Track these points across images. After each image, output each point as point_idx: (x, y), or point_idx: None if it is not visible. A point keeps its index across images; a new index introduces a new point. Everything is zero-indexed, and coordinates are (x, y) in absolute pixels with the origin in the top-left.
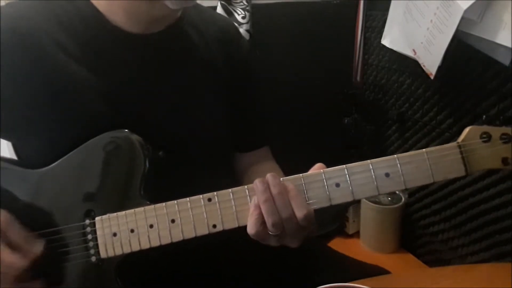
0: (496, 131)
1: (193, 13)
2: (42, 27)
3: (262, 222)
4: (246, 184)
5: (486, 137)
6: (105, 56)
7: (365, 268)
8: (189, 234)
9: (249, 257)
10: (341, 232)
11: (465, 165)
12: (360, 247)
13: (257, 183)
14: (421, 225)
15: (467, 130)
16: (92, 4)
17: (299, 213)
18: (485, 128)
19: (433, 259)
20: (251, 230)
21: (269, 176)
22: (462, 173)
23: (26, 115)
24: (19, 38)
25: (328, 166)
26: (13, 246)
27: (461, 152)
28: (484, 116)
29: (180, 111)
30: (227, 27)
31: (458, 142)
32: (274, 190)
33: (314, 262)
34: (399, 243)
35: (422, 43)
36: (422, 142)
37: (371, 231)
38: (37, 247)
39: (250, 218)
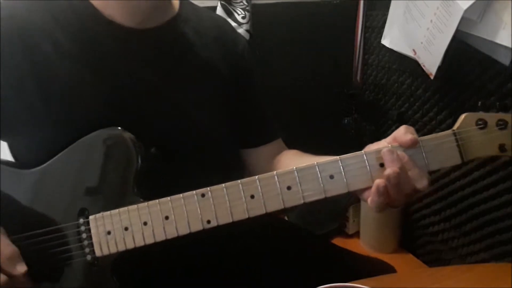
0: (492, 118)
1: (190, 12)
2: (37, 25)
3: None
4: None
5: (482, 124)
6: (100, 51)
7: (374, 264)
8: (184, 230)
9: (250, 253)
10: (341, 232)
11: (460, 153)
12: (360, 247)
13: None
14: (421, 225)
15: (462, 117)
16: (87, 1)
17: (420, 185)
18: (481, 114)
19: (433, 259)
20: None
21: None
22: (458, 161)
23: (21, 114)
24: (14, 37)
25: None
26: None
27: (457, 140)
28: (479, 103)
29: (175, 107)
30: (223, 26)
31: (453, 130)
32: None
33: (323, 259)
34: (399, 243)
35: (422, 43)
36: None
37: (371, 231)
38: (20, 269)
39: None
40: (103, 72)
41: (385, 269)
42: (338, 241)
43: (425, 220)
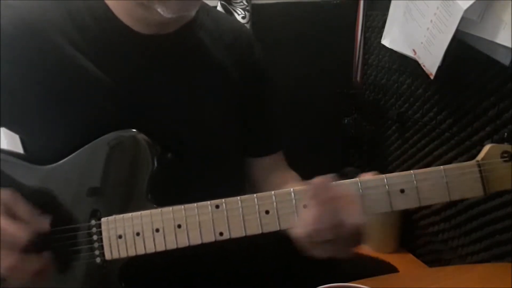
0: None
1: (206, 16)
2: (53, 21)
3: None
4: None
5: (507, 157)
6: (114, 54)
7: (376, 264)
8: (195, 240)
9: (252, 253)
10: None
11: (483, 185)
12: (360, 247)
13: (308, 187)
14: (421, 225)
15: (487, 148)
16: (104, 3)
17: (352, 221)
18: (506, 146)
19: (433, 259)
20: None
21: (318, 180)
22: (480, 193)
23: (33, 109)
24: (29, 30)
25: (328, 166)
26: (17, 219)
27: (480, 171)
28: (505, 134)
29: (187, 113)
30: (240, 32)
31: (477, 161)
32: (325, 194)
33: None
34: (399, 243)
35: (422, 43)
36: (422, 142)
37: (371, 231)
38: (43, 221)
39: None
40: (116, 73)
41: (387, 269)
42: None
43: (425, 220)
